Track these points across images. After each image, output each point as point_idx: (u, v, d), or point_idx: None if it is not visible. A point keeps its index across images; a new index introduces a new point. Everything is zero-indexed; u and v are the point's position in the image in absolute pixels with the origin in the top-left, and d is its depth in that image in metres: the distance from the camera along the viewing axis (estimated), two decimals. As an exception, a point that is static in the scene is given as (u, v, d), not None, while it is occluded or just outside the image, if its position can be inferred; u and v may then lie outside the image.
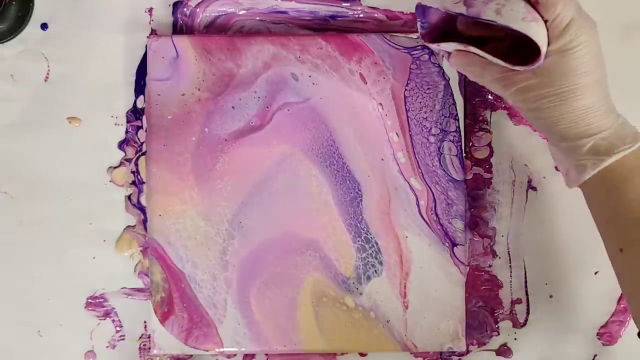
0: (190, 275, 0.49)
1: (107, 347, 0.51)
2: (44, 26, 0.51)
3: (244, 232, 0.50)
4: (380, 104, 0.49)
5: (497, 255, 0.51)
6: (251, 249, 0.50)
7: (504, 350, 0.51)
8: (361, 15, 0.51)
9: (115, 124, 0.51)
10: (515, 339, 0.51)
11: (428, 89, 0.49)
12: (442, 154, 0.50)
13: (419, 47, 0.49)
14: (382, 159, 0.50)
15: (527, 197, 0.51)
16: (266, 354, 0.51)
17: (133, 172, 0.51)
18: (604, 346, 0.51)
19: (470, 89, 0.50)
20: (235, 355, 0.51)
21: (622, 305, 0.50)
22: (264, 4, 0.51)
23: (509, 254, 0.51)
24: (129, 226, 0.51)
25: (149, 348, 0.50)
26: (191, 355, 0.51)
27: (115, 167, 0.51)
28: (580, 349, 0.51)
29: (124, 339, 0.51)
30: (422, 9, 0.44)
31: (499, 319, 0.51)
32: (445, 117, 0.50)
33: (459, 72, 0.49)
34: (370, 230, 0.50)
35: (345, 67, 0.49)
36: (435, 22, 0.45)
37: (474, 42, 0.43)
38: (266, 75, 0.50)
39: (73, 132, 0.51)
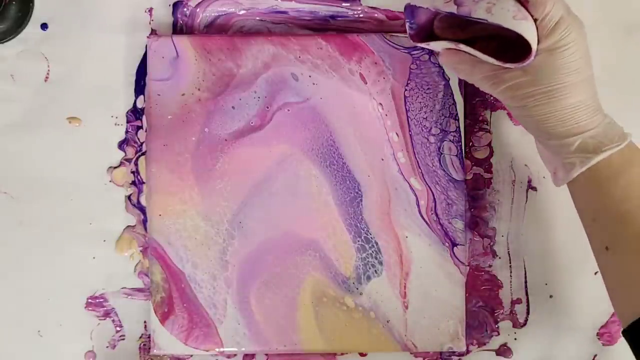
0: (190, 275, 0.49)
1: (107, 347, 0.51)
2: (44, 26, 0.51)
3: (244, 232, 0.50)
4: (380, 104, 0.50)
5: (497, 255, 0.51)
6: (251, 249, 0.50)
7: (504, 350, 0.51)
8: (361, 15, 0.51)
9: (115, 124, 0.51)
10: (515, 339, 0.51)
11: (428, 89, 0.49)
12: (442, 154, 0.50)
13: (419, 47, 0.49)
14: (382, 159, 0.50)
15: (527, 197, 0.51)
16: (266, 354, 0.51)
17: (133, 172, 0.51)
18: (604, 346, 0.51)
19: (470, 89, 0.50)
20: (235, 355, 0.51)
21: (622, 305, 0.50)
22: (264, 4, 0.51)
23: (509, 254, 0.51)
24: (129, 226, 0.51)
25: (149, 348, 0.50)
26: (191, 355, 0.51)
27: (115, 167, 0.51)
28: (580, 349, 0.51)
29: (124, 339, 0.51)
30: (410, 10, 0.44)
31: (499, 319, 0.51)
32: (445, 117, 0.50)
33: (458, 72, 0.49)
34: (370, 230, 0.50)
35: (345, 67, 0.49)
36: (423, 23, 0.45)
37: (464, 41, 0.43)
38: (266, 75, 0.50)
39: (73, 132, 0.51)
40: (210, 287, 0.50)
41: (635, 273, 0.39)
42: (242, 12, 0.51)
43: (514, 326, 0.51)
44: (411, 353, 0.51)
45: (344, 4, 0.51)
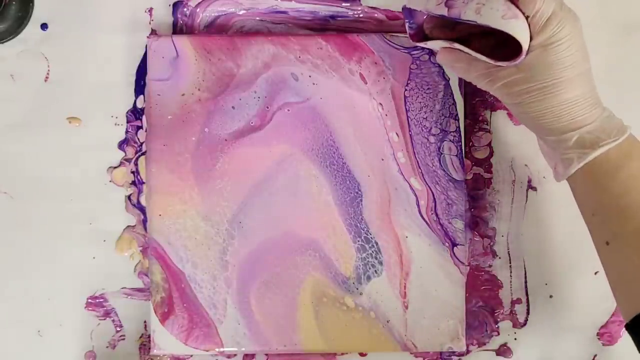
0: (190, 275, 0.49)
1: (107, 347, 0.51)
2: (44, 26, 0.51)
3: (244, 232, 0.50)
4: (380, 104, 0.50)
5: (497, 255, 0.51)
6: (251, 249, 0.50)
7: (504, 350, 0.51)
8: (361, 15, 0.51)
9: (115, 124, 0.51)
10: (515, 339, 0.51)
11: (428, 89, 0.50)
12: (442, 154, 0.50)
13: (419, 47, 0.49)
14: (382, 159, 0.50)
15: (527, 197, 0.51)
16: (266, 354, 0.51)
17: (133, 172, 0.51)
18: (604, 346, 0.51)
19: (470, 89, 0.50)
20: (235, 355, 0.51)
21: (622, 305, 0.50)
22: (264, 4, 0.51)
23: (509, 254, 0.51)
24: (129, 226, 0.51)
25: (149, 348, 0.50)
26: (191, 355, 0.51)
27: (115, 167, 0.51)
28: (580, 349, 0.51)
29: (124, 339, 0.51)
30: (408, 11, 0.45)
31: (499, 319, 0.51)
32: (445, 117, 0.50)
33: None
34: (370, 230, 0.50)
35: (345, 67, 0.49)
36: (422, 23, 0.45)
37: (461, 39, 0.43)
38: (266, 75, 0.50)
39: (73, 132, 0.51)
40: (210, 287, 0.50)
41: (635, 267, 0.39)
42: (242, 12, 0.51)
43: (514, 326, 0.51)
44: (411, 353, 0.51)
45: (344, 4, 0.51)
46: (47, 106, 0.51)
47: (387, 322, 0.50)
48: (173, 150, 0.50)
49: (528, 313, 0.51)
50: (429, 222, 0.50)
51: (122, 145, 0.51)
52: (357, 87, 0.49)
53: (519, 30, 0.39)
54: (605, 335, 0.51)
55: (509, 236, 0.51)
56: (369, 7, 0.51)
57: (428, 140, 0.50)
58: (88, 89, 0.51)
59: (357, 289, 0.50)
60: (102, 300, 0.51)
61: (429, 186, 0.49)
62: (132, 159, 0.51)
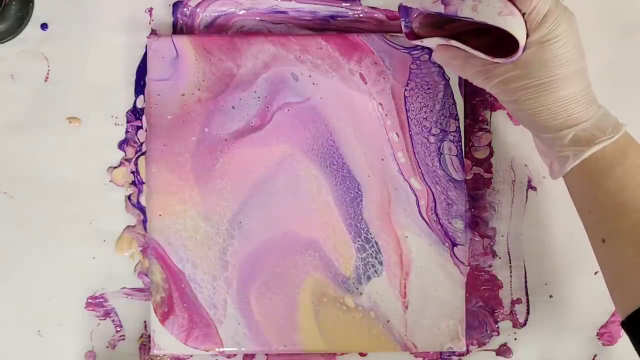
0: (190, 275, 0.49)
1: (107, 347, 0.51)
2: (44, 26, 0.51)
3: (244, 232, 0.50)
4: (380, 104, 0.50)
5: (497, 255, 0.51)
6: (251, 249, 0.50)
7: (504, 350, 0.51)
8: (361, 15, 0.51)
9: (115, 124, 0.51)
10: (515, 339, 0.51)
11: (428, 89, 0.50)
12: (442, 154, 0.50)
13: (419, 47, 0.49)
14: (382, 159, 0.50)
15: (527, 197, 0.51)
16: (266, 354, 0.51)
17: (133, 172, 0.51)
18: (604, 346, 0.51)
19: (470, 89, 0.50)
20: (235, 355, 0.51)
21: (622, 305, 0.50)
22: (264, 4, 0.51)
23: (509, 254, 0.51)
24: (129, 226, 0.51)
25: (149, 348, 0.50)
26: (191, 355, 0.51)
27: (115, 167, 0.51)
28: (580, 349, 0.51)
29: (124, 339, 0.51)
30: (404, 9, 0.45)
31: (499, 319, 0.51)
32: (445, 117, 0.50)
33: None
34: (370, 230, 0.50)
35: (345, 67, 0.49)
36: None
37: (458, 36, 0.43)
38: (266, 75, 0.50)
39: (73, 132, 0.51)
40: (210, 287, 0.50)
41: (631, 265, 0.39)
42: (242, 12, 0.51)
43: (514, 326, 0.51)
44: (411, 353, 0.51)
45: (344, 4, 0.51)
46: (47, 106, 0.51)
47: (387, 322, 0.50)
48: (173, 150, 0.50)
49: (528, 313, 0.51)
50: (429, 222, 0.50)
51: (122, 145, 0.51)
52: (357, 87, 0.49)
53: (515, 26, 0.39)
54: (605, 335, 0.51)
55: (509, 236, 0.51)
56: (369, 7, 0.51)
57: (428, 140, 0.50)
58: (88, 89, 0.51)
59: (357, 289, 0.50)
60: (102, 300, 0.51)
61: (429, 186, 0.49)
62: (132, 159, 0.51)
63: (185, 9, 0.51)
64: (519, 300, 0.51)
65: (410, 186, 0.50)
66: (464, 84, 0.50)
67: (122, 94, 0.51)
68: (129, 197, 0.51)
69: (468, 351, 0.51)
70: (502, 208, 0.51)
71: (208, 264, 0.50)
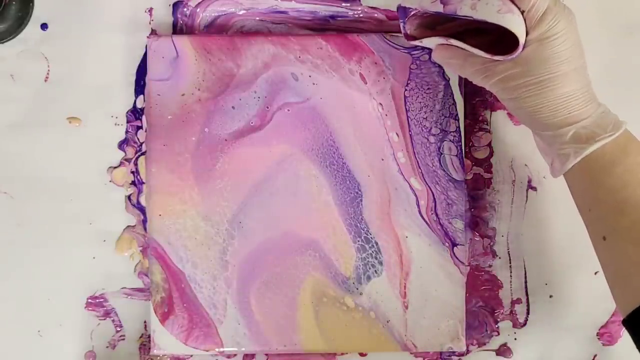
0: (190, 275, 0.49)
1: (107, 347, 0.51)
2: (44, 26, 0.51)
3: (244, 232, 0.50)
4: (380, 104, 0.50)
5: (497, 255, 0.51)
6: (251, 249, 0.50)
7: (504, 350, 0.51)
8: (361, 15, 0.51)
9: (115, 124, 0.51)
10: (515, 339, 0.51)
11: (428, 89, 0.49)
12: (442, 154, 0.50)
13: (419, 47, 0.49)
14: (382, 159, 0.50)
15: (527, 197, 0.51)
16: (266, 354, 0.51)
17: (133, 172, 0.51)
18: (604, 346, 0.51)
19: (470, 89, 0.50)
20: (235, 355, 0.51)
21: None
22: (264, 4, 0.51)
23: (509, 254, 0.51)
24: (129, 226, 0.51)
25: (149, 348, 0.50)
26: (191, 355, 0.51)
27: (115, 167, 0.51)
28: (580, 349, 0.51)
29: (124, 339, 0.51)
30: (403, 10, 0.44)
31: (499, 319, 0.51)
32: (445, 117, 0.50)
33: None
34: (370, 230, 0.50)
35: (345, 67, 0.49)
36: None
37: (455, 36, 0.43)
38: (266, 75, 0.50)
39: (73, 132, 0.51)
40: (210, 287, 0.50)
41: (632, 262, 0.39)
42: (242, 12, 0.51)
43: (514, 326, 0.51)
44: (411, 353, 0.51)
45: (344, 4, 0.51)
46: (47, 106, 0.51)
47: (387, 322, 0.50)
48: (173, 150, 0.50)
49: (528, 313, 0.51)
50: (429, 222, 0.50)
51: (122, 145, 0.51)
52: (357, 87, 0.49)
53: (515, 24, 0.39)
54: (605, 335, 0.51)
55: (509, 236, 0.51)
56: (369, 7, 0.51)
57: (428, 140, 0.50)
58: (88, 89, 0.51)
59: (357, 289, 0.50)
60: (102, 300, 0.51)
61: (429, 186, 0.49)
62: (132, 159, 0.51)
63: (185, 9, 0.51)
64: (519, 300, 0.51)
65: (410, 186, 0.50)
66: (464, 84, 0.50)
67: (122, 94, 0.51)
68: (129, 197, 0.51)
69: (468, 351, 0.51)
70: (502, 208, 0.51)
71: (208, 264, 0.50)
